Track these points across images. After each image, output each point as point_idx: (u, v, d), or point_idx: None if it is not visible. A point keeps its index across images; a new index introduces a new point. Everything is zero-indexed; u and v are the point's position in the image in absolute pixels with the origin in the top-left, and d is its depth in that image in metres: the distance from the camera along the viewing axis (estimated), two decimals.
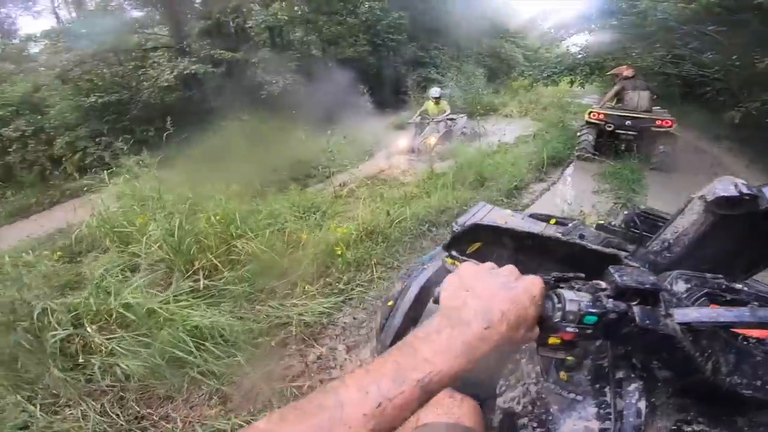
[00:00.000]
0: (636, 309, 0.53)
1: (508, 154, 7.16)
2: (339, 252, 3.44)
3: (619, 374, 0.68)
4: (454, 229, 1.25)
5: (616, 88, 7.01)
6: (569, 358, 0.71)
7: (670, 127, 6.29)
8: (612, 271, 0.57)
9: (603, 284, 0.56)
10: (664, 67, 9.92)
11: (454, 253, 0.85)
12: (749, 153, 7.82)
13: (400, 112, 11.13)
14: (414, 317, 1.22)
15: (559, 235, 0.86)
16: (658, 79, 9.61)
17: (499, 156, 7.10)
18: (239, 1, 10.48)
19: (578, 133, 7.12)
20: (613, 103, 7.39)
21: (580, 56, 10.39)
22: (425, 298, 1.24)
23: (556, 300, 0.52)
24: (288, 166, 6.98)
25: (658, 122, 6.34)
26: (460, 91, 12.33)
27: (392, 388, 0.40)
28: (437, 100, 8.22)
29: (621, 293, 0.54)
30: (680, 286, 0.77)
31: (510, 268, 0.54)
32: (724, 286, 0.75)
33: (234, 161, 6.62)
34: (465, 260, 0.82)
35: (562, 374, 0.73)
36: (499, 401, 0.82)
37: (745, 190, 0.77)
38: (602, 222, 1.50)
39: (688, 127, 9.41)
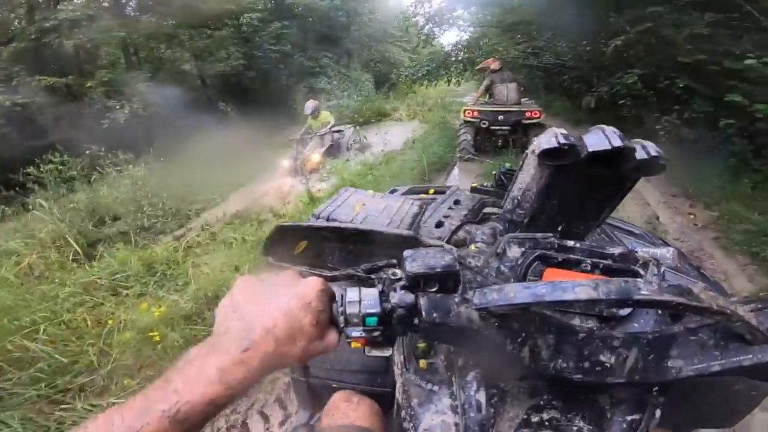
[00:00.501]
0: (423, 300, 0.48)
1: (393, 164, 6.59)
2: (156, 338, 2.67)
3: (460, 361, 0.62)
4: (311, 222, 1.09)
5: (485, 82, 6.69)
6: (420, 345, 0.67)
7: (539, 118, 6.05)
8: (405, 256, 0.51)
9: (399, 273, 0.51)
10: (527, 59, 10.24)
11: (270, 259, 0.75)
12: None
13: (287, 129, 10.11)
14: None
15: (348, 225, 0.78)
16: (523, 72, 9.83)
17: (384, 167, 6.51)
18: (62, 17, 8.47)
19: (458, 133, 6.80)
20: (485, 99, 7.23)
21: (452, 53, 10.31)
22: None
23: (339, 302, 0.48)
24: (132, 211, 5.59)
25: (528, 114, 6.06)
26: (350, 99, 11.70)
27: (137, 421, 0.37)
28: (315, 114, 7.38)
29: (415, 281, 0.49)
30: (514, 251, 0.71)
31: (287, 275, 0.49)
32: (556, 245, 0.70)
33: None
34: (281, 266, 0.74)
35: (422, 362, 0.67)
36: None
37: (563, 141, 0.75)
38: (476, 184, 1.47)
39: (554, 115, 9.54)
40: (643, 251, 0.88)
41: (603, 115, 8.67)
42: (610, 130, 0.74)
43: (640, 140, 0.74)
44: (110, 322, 2.86)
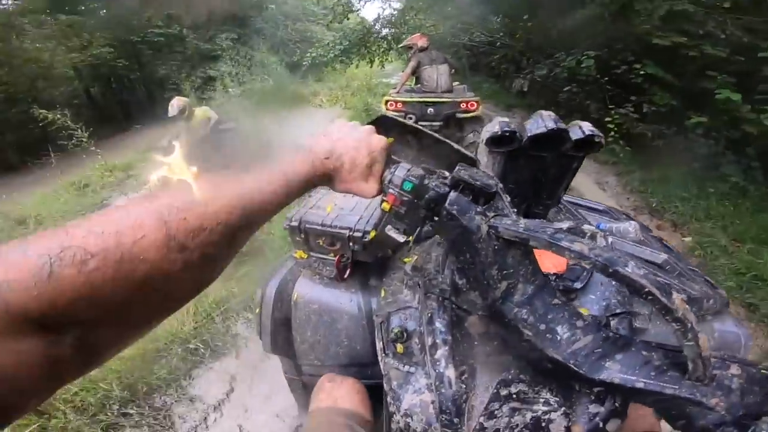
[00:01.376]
0: (453, 194, 0.53)
1: None
2: None
3: (429, 340, 0.64)
4: (284, 225, 1.08)
5: (411, 63, 5.11)
6: (395, 330, 0.69)
7: (475, 110, 4.73)
8: (460, 166, 0.56)
9: (448, 175, 0.56)
10: (456, 36, 8.79)
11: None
12: None
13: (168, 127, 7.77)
14: (280, 317, 1.09)
15: (439, 137, 0.73)
16: (450, 51, 8.38)
17: None
18: None
19: None
20: (412, 84, 5.65)
21: (374, 29, 8.48)
22: (285, 295, 1.12)
23: (392, 167, 0.56)
24: None
25: (463, 105, 4.72)
26: (261, 84, 9.48)
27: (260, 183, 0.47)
28: (185, 115, 5.24)
29: (456, 184, 0.54)
30: None
31: (368, 128, 0.59)
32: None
33: None
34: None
35: (398, 346, 0.69)
36: None
37: (505, 128, 0.76)
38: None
39: (483, 99, 8.53)
40: (608, 227, 1.03)
41: (536, 101, 7.61)
42: (546, 114, 0.76)
43: (576, 121, 0.76)
44: None
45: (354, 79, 11.33)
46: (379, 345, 0.71)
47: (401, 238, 0.57)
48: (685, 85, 3.91)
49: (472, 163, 0.69)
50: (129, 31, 9.33)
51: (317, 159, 0.53)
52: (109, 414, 2.15)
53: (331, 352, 0.97)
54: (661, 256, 0.93)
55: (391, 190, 0.55)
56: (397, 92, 5.09)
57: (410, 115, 4.74)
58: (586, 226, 0.72)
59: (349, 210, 1.11)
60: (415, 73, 5.21)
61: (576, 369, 0.49)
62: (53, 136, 5.77)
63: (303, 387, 1.08)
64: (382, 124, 0.72)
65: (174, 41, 10.25)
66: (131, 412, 2.18)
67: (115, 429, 2.14)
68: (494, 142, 0.79)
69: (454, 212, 0.52)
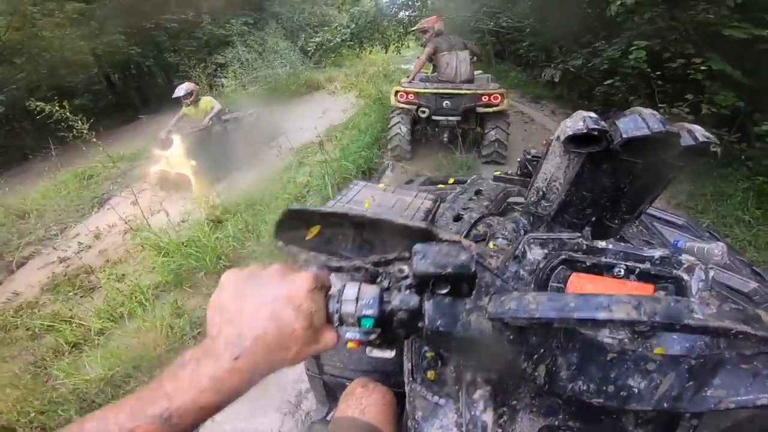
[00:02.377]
0: (428, 304, 0.42)
1: (302, 170, 4.36)
2: None
3: (468, 376, 0.53)
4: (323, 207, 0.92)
5: (427, 49, 4.46)
6: (428, 354, 0.57)
7: (499, 103, 4.04)
8: (415, 251, 0.43)
9: (406, 270, 0.46)
10: (480, 20, 7.92)
11: (280, 243, 0.64)
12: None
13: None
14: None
15: (359, 212, 0.64)
16: (473, 37, 7.54)
17: (288, 174, 4.27)
18: None
19: (389, 124, 4.56)
20: (429, 72, 4.98)
21: (388, 12, 7.68)
22: None
23: (335, 299, 0.41)
24: None
25: (485, 98, 4.03)
26: (275, 70, 8.92)
27: (129, 421, 0.34)
28: (190, 100, 4.91)
29: (423, 281, 0.42)
30: (536, 253, 0.62)
31: (274, 271, 0.41)
32: (584, 247, 0.61)
33: None
34: (295, 250, 0.62)
35: (429, 373, 0.57)
36: None
37: (592, 125, 0.64)
38: (499, 173, 1.32)
39: (507, 89, 7.76)
40: (689, 246, 0.85)
41: (567, 93, 6.79)
42: (648, 112, 0.63)
43: (684, 124, 0.65)
44: None
45: (372, 65, 10.60)
46: (407, 365, 0.60)
47: (389, 354, 0.44)
48: (756, 85, 3.14)
49: (428, 235, 0.55)
50: (142, 18, 8.93)
51: (220, 368, 0.36)
52: None
53: (354, 357, 0.90)
54: (750, 284, 0.81)
55: (349, 335, 0.42)
56: (410, 81, 4.46)
57: (423, 109, 4.12)
58: (684, 257, 0.57)
59: (389, 207, 1.04)
60: (432, 60, 4.55)
61: (673, 411, 0.42)
62: (52, 127, 5.49)
63: (324, 385, 0.99)
64: (298, 218, 0.63)
65: (189, 27, 9.81)
66: None
67: None
68: (575, 140, 0.67)
69: (441, 329, 0.41)
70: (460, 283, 0.42)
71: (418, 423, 0.55)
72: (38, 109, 4.64)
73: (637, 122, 0.62)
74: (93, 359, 2.38)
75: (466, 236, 0.95)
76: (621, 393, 0.43)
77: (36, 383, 2.34)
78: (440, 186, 1.45)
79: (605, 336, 0.49)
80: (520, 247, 0.62)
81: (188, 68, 8.79)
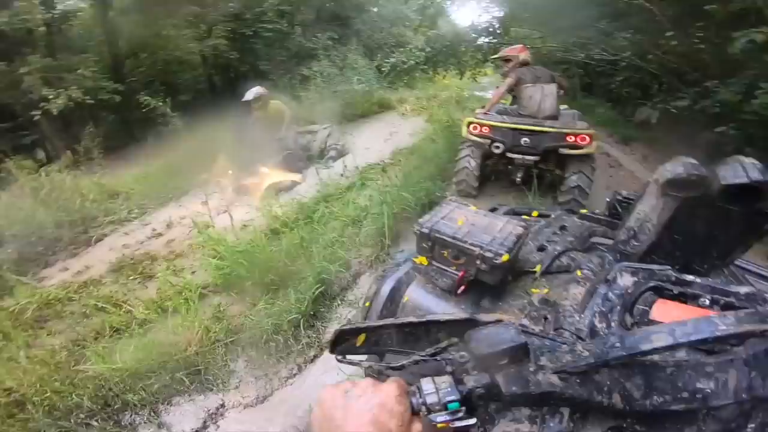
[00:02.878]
0: (499, 377, 0.49)
1: (363, 191, 4.27)
2: None
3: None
4: (415, 230, 1.14)
5: (509, 80, 4.11)
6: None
7: (587, 145, 3.60)
8: (467, 338, 0.52)
9: (466, 355, 0.52)
10: (567, 51, 7.38)
11: (338, 357, 0.72)
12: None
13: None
14: (388, 315, 1.14)
15: (410, 319, 0.70)
16: (558, 69, 7.01)
17: (350, 194, 4.21)
18: None
19: (458, 155, 4.29)
20: (507, 104, 4.66)
21: (467, 37, 7.42)
22: (397, 296, 1.18)
23: (417, 395, 0.49)
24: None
25: (570, 139, 3.63)
26: (353, 86, 9.17)
27: None
28: (258, 104, 5.14)
29: (485, 360, 0.50)
30: (626, 280, 0.68)
31: (364, 385, 0.50)
32: (673, 278, 0.66)
33: None
34: (348, 362, 0.71)
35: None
36: None
37: (693, 171, 0.68)
38: (585, 211, 1.37)
39: (593, 126, 7.10)
40: None
41: (664, 137, 5.98)
42: (749, 162, 0.67)
43: None
44: None
45: (444, 89, 10.45)
46: None
47: (472, 420, 0.48)
48: None
49: (472, 323, 0.61)
50: (243, 25, 9.74)
51: None
52: (71, 422, 2.13)
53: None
54: None
55: (440, 419, 0.47)
56: (486, 113, 4.15)
57: (497, 144, 3.81)
58: None
59: (482, 228, 1.09)
60: (513, 91, 4.23)
61: (758, 398, 0.48)
62: (155, 120, 6.07)
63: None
64: (348, 337, 0.71)
65: (282, 37, 10.50)
66: (94, 424, 2.14)
67: None
68: (674, 185, 0.72)
69: (518, 392, 0.48)
70: (516, 353, 0.48)
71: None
72: (145, 102, 5.14)
73: (737, 170, 0.64)
74: (126, 348, 2.47)
75: (549, 266, 1.01)
76: (697, 395, 0.48)
77: (66, 362, 2.46)
78: (524, 217, 1.45)
79: (661, 361, 0.53)
80: (613, 273, 0.68)
81: (276, 77, 9.37)
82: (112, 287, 3.34)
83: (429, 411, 0.47)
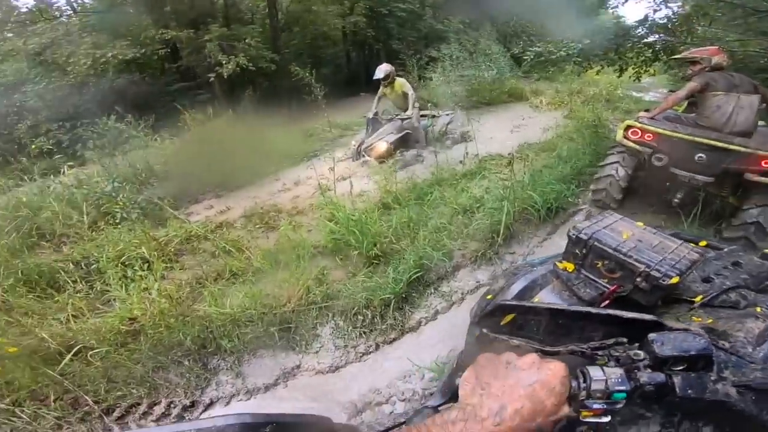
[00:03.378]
0: (677, 379, 0.50)
1: (480, 182, 4.08)
2: None
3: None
4: (570, 234, 1.09)
5: (692, 84, 3.29)
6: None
7: None
8: (651, 339, 0.53)
9: (642, 354, 0.53)
10: None
11: (484, 330, 0.71)
12: None
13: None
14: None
15: (590, 309, 0.70)
16: (759, 78, 5.46)
17: (465, 183, 4.08)
18: None
19: (605, 159, 3.74)
20: (680, 110, 3.85)
21: (638, 32, 6.29)
22: (527, 297, 1.13)
23: (581, 379, 0.51)
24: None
25: (766, 164, 2.83)
26: (482, 72, 8.77)
27: None
28: (387, 81, 5.25)
29: (663, 362, 0.51)
30: None
31: (530, 360, 0.52)
32: None
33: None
34: (495, 337, 0.69)
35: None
36: None
37: None
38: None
39: None
40: None
41: None
42: None
43: None
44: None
45: (592, 84, 9.20)
46: None
47: (606, 419, 0.50)
48: None
49: (659, 326, 0.60)
50: (380, 3, 10.09)
51: (484, 429, 0.47)
52: (168, 358, 2.35)
53: None
54: None
55: (596, 406, 0.49)
56: (652, 117, 3.48)
57: (660, 156, 3.19)
58: None
59: (651, 246, 1.04)
60: (693, 97, 3.45)
61: None
62: (300, 89, 6.76)
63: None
64: (498, 313, 0.71)
65: (414, 18, 10.59)
66: (185, 363, 2.34)
67: (161, 369, 2.33)
68: None
69: (692, 396, 0.49)
70: (697, 362, 0.51)
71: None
72: (295, 71, 5.75)
73: None
74: (237, 294, 2.68)
75: (713, 299, 0.96)
76: None
77: (186, 299, 2.71)
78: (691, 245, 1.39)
79: None
80: None
81: (405, 57, 9.53)
82: (240, 232, 3.79)
83: (588, 396, 0.50)
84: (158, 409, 2.17)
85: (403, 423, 1.12)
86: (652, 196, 3.64)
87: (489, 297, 1.22)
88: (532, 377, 0.50)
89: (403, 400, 2.18)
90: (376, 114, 5.50)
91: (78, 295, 2.80)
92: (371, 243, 3.06)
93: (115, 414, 2.13)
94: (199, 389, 2.26)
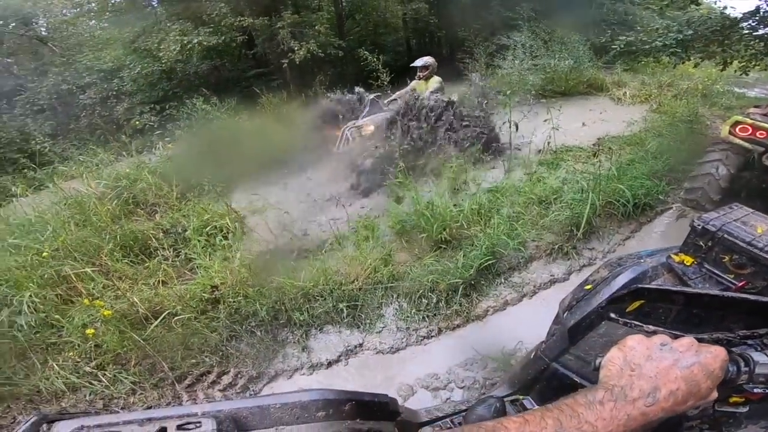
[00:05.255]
0: None
1: (556, 173, 3.95)
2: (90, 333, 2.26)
3: None
4: (695, 224, 1.05)
5: None
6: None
7: None
8: None
9: None
10: None
11: (612, 315, 0.70)
12: None
13: (451, 88, 7.94)
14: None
15: (748, 296, 0.65)
16: None
17: (539, 173, 3.99)
18: None
19: (704, 156, 3.45)
20: None
21: (747, 24, 5.62)
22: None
23: (742, 363, 0.51)
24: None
25: None
26: (559, 61, 8.35)
27: None
28: (425, 73, 5.13)
29: None
30: None
31: (687, 342, 0.52)
32: None
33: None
34: (626, 323, 0.67)
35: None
36: None
37: None
38: None
39: None
40: None
41: None
42: None
43: None
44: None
45: (685, 78, 8.38)
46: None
47: (744, 409, 0.54)
48: None
49: None
50: None
51: (636, 410, 0.47)
52: (242, 327, 2.51)
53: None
54: None
55: (757, 390, 0.51)
56: (765, 114, 3.15)
57: None
58: None
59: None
60: None
61: None
62: (365, 74, 6.95)
63: (542, 371, 1.01)
64: (643, 297, 0.68)
65: (480, 4, 10.29)
66: (257, 333, 2.49)
67: (235, 338, 2.47)
68: None
69: None
70: None
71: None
72: (364, 57, 5.87)
73: None
74: (311, 267, 2.78)
75: None
76: None
77: (264, 270, 2.82)
78: None
79: None
80: None
81: (473, 44, 9.33)
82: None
83: (750, 381, 0.50)
84: (226, 379, 2.29)
85: (464, 411, 1.11)
86: (758, 200, 3.30)
87: (588, 287, 1.19)
88: (690, 359, 0.49)
89: (462, 388, 2.22)
90: (378, 96, 5.18)
91: (166, 262, 3.04)
92: (441, 226, 3.08)
93: (186, 381, 2.26)
94: (266, 361, 2.38)
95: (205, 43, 7.39)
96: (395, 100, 5.06)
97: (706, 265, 1.04)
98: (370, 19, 10.81)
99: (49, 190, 4.19)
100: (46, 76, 7.96)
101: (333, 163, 4.82)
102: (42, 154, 5.85)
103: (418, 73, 5.22)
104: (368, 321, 2.60)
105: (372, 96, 5.13)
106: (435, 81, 5.24)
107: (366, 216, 3.65)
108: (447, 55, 11.85)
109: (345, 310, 2.59)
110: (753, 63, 5.95)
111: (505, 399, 1.00)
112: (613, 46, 6.44)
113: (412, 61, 5.72)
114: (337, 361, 2.40)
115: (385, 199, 3.99)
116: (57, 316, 2.42)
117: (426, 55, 5.45)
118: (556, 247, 3.03)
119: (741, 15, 5.93)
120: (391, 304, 2.73)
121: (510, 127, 4.34)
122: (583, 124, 5.73)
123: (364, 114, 5.05)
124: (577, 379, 0.93)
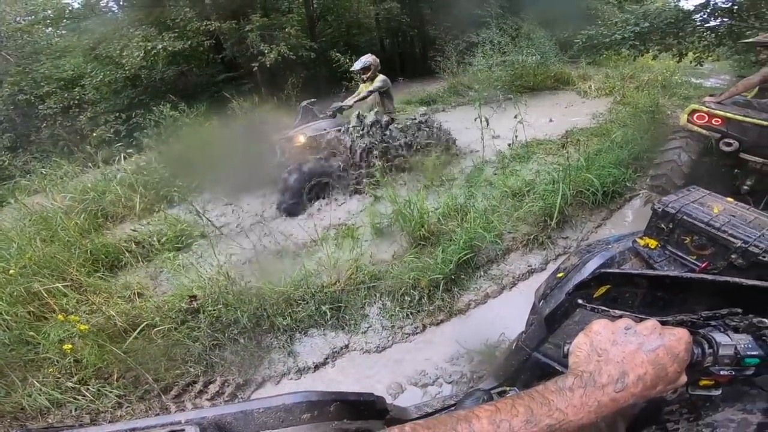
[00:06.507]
0: None
1: (528, 165, 4.07)
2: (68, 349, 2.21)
3: None
4: (656, 207, 1.06)
5: (766, 69, 3.22)
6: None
7: None
8: None
9: (767, 321, 0.52)
10: None
11: (580, 301, 0.70)
12: None
13: (425, 86, 8.03)
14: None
15: (706, 276, 0.66)
16: None
17: (511, 166, 4.08)
18: None
19: (665, 144, 3.62)
20: (750, 96, 3.66)
21: (698, 17, 5.92)
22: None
23: (706, 345, 0.50)
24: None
25: None
26: (526, 57, 8.57)
27: (523, 428, 0.44)
28: (367, 75, 4.73)
29: None
30: None
31: (651, 325, 0.52)
32: None
33: None
34: (593, 308, 0.66)
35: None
36: None
37: None
38: None
39: None
40: None
41: None
42: None
43: None
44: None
45: (646, 70, 8.77)
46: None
47: (717, 392, 0.52)
48: None
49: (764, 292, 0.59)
50: None
51: (606, 396, 0.47)
52: (225, 335, 2.47)
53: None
54: None
55: (723, 372, 0.49)
56: (719, 102, 3.33)
57: (730, 141, 3.08)
58: None
59: (745, 221, 1.00)
60: (767, 83, 3.28)
61: None
62: (339, 75, 6.93)
63: (524, 361, 1.02)
64: (608, 282, 0.69)
65: (449, 3, 10.45)
66: (240, 341, 2.46)
67: (218, 347, 2.44)
68: None
69: None
70: None
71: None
72: (335, 58, 5.81)
73: None
74: (291, 271, 2.74)
75: None
76: None
77: (242, 278, 2.77)
78: None
79: None
80: None
81: (443, 43, 9.44)
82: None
83: (715, 363, 0.49)
84: (213, 388, 2.25)
85: (453, 405, 1.12)
86: (718, 183, 3.49)
87: (560, 275, 1.19)
88: (655, 342, 0.49)
89: (450, 383, 2.24)
90: (312, 103, 4.72)
91: (140, 274, 2.98)
92: (418, 223, 3.09)
93: (173, 392, 2.22)
94: (252, 368, 2.35)
95: (170, 49, 7.17)
96: (342, 107, 4.68)
97: (669, 248, 1.06)
98: (342, 20, 10.76)
99: (11, 206, 3.99)
100: (1, 86, 7.55)
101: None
102: (1, 169, 5.54)
103: (361, 76, 4.80)
104: (353, 321, 2.60)
105: (305, 103, 4.68)
106: (378, 80, 4.73)
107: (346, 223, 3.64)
108: (420, 54, 11.96)
109: (328, 312, 2.57)
110: (706, 54, 6.27)
111: (492, 391, 1.00)
112: (576, 41, 6.66)
113: (387, 61, 5.54)
114: (324, 363, 2.39)
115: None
116: (32, 333, 2.34)
117: (367, 55, 4.97)
118: (532, 237, 3.11)
119: (693, 7, 6.24)
120: (375, 303, 2.72)
121: (481, 122, 4.42)
122: (551, 120, 5.92)
123: (297, 123, 4.60)
124: (558, 367, 0.92)
